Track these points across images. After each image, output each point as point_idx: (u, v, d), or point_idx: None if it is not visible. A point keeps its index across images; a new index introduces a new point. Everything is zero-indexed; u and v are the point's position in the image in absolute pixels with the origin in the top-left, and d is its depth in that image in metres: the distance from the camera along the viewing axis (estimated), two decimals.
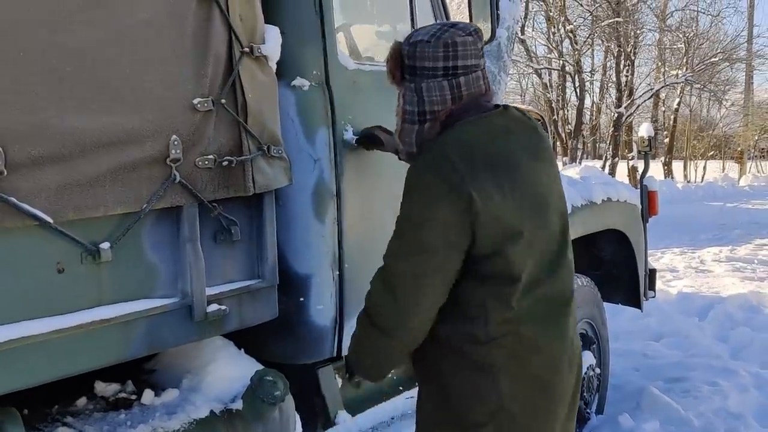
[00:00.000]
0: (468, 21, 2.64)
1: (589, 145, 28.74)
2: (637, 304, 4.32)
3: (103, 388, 2.34)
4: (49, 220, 1.66)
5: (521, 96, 31.82)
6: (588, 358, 3.77)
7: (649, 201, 4.24)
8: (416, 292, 1.69)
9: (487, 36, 2.55)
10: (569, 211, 3.52)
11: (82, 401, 2.27)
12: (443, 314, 1.74)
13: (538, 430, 1.78)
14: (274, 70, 2.19)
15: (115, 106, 1.77)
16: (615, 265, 4.26)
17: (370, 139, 2.42)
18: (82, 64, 1.70)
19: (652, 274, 4.39)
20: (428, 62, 1.74)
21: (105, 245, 1.78)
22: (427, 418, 1.87)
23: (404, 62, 1.79)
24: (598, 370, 3.90)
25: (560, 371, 1.79)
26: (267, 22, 2.24)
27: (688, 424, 3.74)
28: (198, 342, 2.39)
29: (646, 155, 4.27)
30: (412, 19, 2.82)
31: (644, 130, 4.29)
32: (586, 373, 3.73)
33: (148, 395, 2.26)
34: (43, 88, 1.64)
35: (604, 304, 4.44)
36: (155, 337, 1.95)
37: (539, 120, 4.45)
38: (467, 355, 1.73)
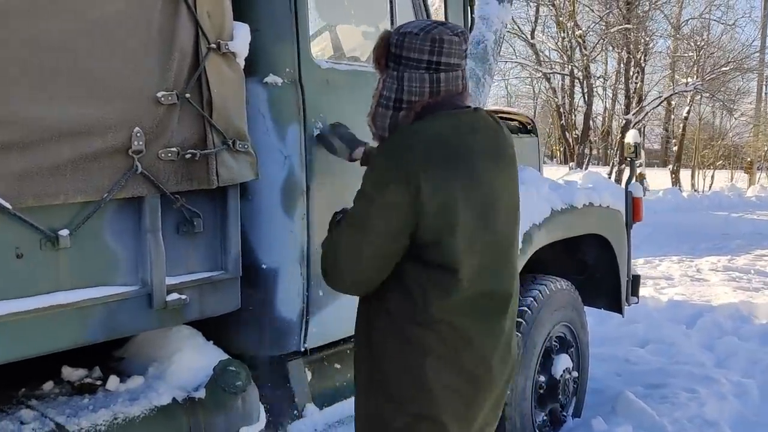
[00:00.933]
0: None
1: (601, 150, 28.67)
2: (619, 310, 4.33)
3: (69, 372, 2.40)
4: (8, 206, 1.71)
5: (533, 99, 31.79)
6: (565, 361, 3.79)
7: (633, 207, 4.25)
8: (353, 262, 1.81)
9: None
10: (548, 215, 3.61)
11: (48, 385, 2.32)
12: (388, 287, 1.81)
13: (460, 415, 1.83)
14: (242, 67, 2.23)
15: (79, 96, 1.82)
16: (598, 270, 4.28)
17: (323, 142, 2.47)
18: (47, 55, 1.76)
19: (635, 280, 4.39)
20: (414, 53, 1.81)
21: (64, 232, 1.84)
22: (361, 385, 1.93)
23: (390, 50, 1.85)
24: (575, 374, 3.92)
25: (490, 368, 1.84)
26: (241, 19, 2.29)
27: (662, 429, 3.75)
28: (166, 331, 2.44)
29: (632, 162, 4.28)
30: (392, 20, 2.86)
31: (630, 136, 4.31)
32: (562, 376, 3.75)
33: (113, 381, 2.31)
34: (7, 78, 1.69)
35: (594, 309, 4.48)
36: (113, 324, 1.99)
37: (529, 124, 4.46)
38: (404, 332, 1.80)
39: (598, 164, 28.31)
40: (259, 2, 2.39)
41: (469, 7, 2.55)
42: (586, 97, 20.65)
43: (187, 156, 2.04)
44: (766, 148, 25.26)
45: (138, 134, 1.93)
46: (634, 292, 4.42)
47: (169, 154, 2.01)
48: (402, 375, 1.80)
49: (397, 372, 1.80)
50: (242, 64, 2.22)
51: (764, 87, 27.11)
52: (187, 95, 2.03)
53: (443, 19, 2.66)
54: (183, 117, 2.03)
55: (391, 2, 2.86)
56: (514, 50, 21.94)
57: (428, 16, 3.05)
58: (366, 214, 1.77)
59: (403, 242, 1.76)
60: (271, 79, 2.42)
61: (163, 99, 1.97)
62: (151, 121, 1.96)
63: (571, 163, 20.58)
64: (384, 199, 1.74)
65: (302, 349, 2.63)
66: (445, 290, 1.77)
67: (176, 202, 2.06)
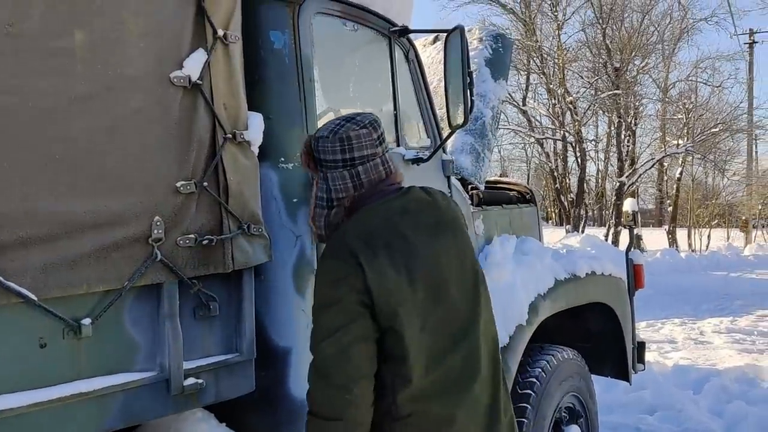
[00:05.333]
0: (445, 104, 2.78)
1: (595, 211, 28.91)
2: (626, 377, 4.33)
3: None
4: (34, 297, 1.76)
5: (527, 164, 32.22)
6: None
7: (635, 274, 4.30)
8: (347, 366, 1.78)
9: (460, 120, 2.70)
10: (552, 285, 3.65)
11: None
12: None
13: None
14: (257, 154, 2.32)
15: (102, 190, 1.89)
16: (603, 338, 4.30)
17: None
18: (72, 152, 1.84)
19: (640, 346, 4.41)
20: (329, 155, 1.94)
21: (86, 321, 1.88)
22: None
23: (313, 154, 1.98)
24: None
25: None
26: (254, 108, 2.40)
27: None
28: (179, 415, 2.45)
29: (631, 229, 4.36)
30: (395, 103, 2.97)
31: (628, 205, 4.40)
32: None
33: None
34: (35, 175, 1.77)
35: (599, 377, 4.47)
36: (132, 410, 2.01)
37: (527, 194, 4.55)
38: (382, 429, 1.82)
39: (594, 225, 28.50)
40: (271, 93, 2.50)
41: (469, 90, 2.66)
42: (579, 161, 20.97)
43: (204, 242, 2.10)
44: (760, 207, 25.50)
45: (158, 223, 1.99)
46: (640, 358, 4.43)
47: (187, 241, 2.07)
48: None
49: None
50: (256, 151, 2.31)
51: (754, 146, 27.62)
52: (205, 183, 2.10)
53: (441, 98, 2.78)
54: (200, 204, 2.11)
55: (393, 86, 2.98)
56: (507, 117, 22.40)
57: (429, 98, 3.18)
58: (331, 321, 1.79)
59: (374, 329, 1.79)
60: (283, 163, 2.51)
61: (182, 188, 2.05)
62: (171, 210, 2.03)
63: (567, 226, 20.73)
64: (340, 298, 1.78)
65: None
66: (408, 378, 1.80)
67: (193, 287, 2.11)
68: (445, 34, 2.80)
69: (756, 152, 28.61)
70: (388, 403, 1.81)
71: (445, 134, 3.03)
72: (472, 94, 2.69)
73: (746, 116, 24.16)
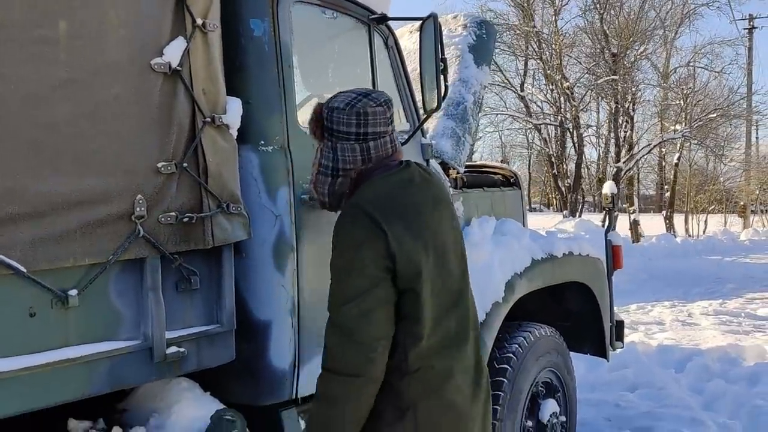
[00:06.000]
0: (420, 91, 2.91)
1: (594, 197, 29.00)
2: (604, 355, 4.48)
3: (75, 425, 2.53)
4: (23, 269, 1.89)
5: (528, 149, 32.24)
6: (551, 406, 3.91)
7: (613, 255, 4.44)
8: (370, 328, 1.91)
9: (433, 105, 2.82)
10: (528, 265, 3.79)
11: None
12: None
13: None
14: (235, 137, 2.45)
15: (87, 170, 2.02)
16: (582, 317, 4.44)
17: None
18: (57, 135, 1.96)
19: (619, 325, 4.55)
20: (343, 127, 2.03)
21: (73, 292, 2.01)
22: None
23: (323, 123, 2.08)
24: (563, 418, 4.04)
25: (471, 395, 2.05)
26: (234, 93, 2.52)
27: None
28: (165, 383, 2.59)
29: (610, 211, 4.49)
30: (374, 87, 3.09)
31: (607, 187, 4.52)
32: (549, 421, 3.87)
33: None
34: (21, 157, 1.90)
35: (584, 357, 4.62)
36: (117, 376, 2.15)
37: (512, 177, 4.68)
38: (392, 387, 1.96)
39: (593, 211, 28.58)
40: (251, 79, 2.62)
41: (442, 76, 2.78)
42: (576, 146, 21.05)
43: (185, 219, 2.23)
44: (758, 192, 25.60)
45: (140, 201, 2.12)
46: (619, 337, 4.57)
47: (169, 218, 2.20)
48: (397, 423, 1.96)
49: (393, 420, 1.96)
50: (235, 134, 2.44)
51: (753, 132, 27.69)
52: (185, 164, 2.23)
53: (419, 83, 2.90)
54: (181, 184, 2.24)
55: (373, 72, 3.10)
56: (505, 103, 22.48)
57: (408, 84, 3.30)
58: (354, 284, 1.90)
59: (394, 292, 1.93)
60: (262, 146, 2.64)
61: (162, 169, 2.18)
62: (152, 189, 2.16)
63: (564, 211, 20.86)
64: (363, 261, 1.90)
65: (294, 397, 2.77)
66: (419, 337, 1.95)
67: (175, 262, 2.25)
68: (420, 21, 2.91)
69: (757, 138, 28.77)
70: (399, 360, 1.95)
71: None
72: (446, 80, 2.81)
73: (745, 102, 24.20)
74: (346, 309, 1.93)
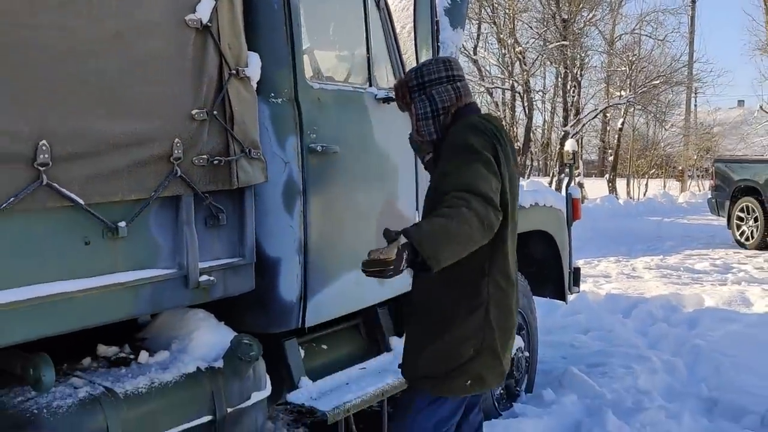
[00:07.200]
0: (414, 49, 3.19)
1: (541, 161, 29.75)
2: (563, 298, 4.92)
3: (104, 350, 2.78)
4: (81, 202, 2.13)
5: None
6: (517, 342, 4.32)
7: (573, 207, 4.84)
8: (489, 192, 2.26)
9: None
10: None
11: (87, 361, 2.70)
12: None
13: (505, 346, 2.49)
14: (255, 88, 2.69)
15: (133, 116, 2.26)
16: (544, 263, 4.85)
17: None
18: (108, 83, 2.19)
19: (576, 272, 4.99)
20: (434, 75, 2.48)
21: (122, 224, 2.26)
22: (422, 334, 2.49)
23: (410, 85, 2.50)
24: (527, 353, 4.46)
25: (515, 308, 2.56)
26: (249, 49, 2.75)
27: (601, 397, 4.33)
28: (183, 314, 2.86)
29: (570, 167, 4.90)
30: (368, 47, 3.35)
31: (569, 145, 4.92)
32: (515, 355, 4.28)
33: (143, 355, 2.70)
34: (79, 101, 2.12)
35: (542, 302, 5.04)
36: (157, 300, 2.42)
37: None
38: (472, 285, 2.39)
39: (539, 175, 29.32)
40: (262, 36, 2.85)
41: (436, 37, 3.06)
42: (526, 110, 21.57)
43: (215, 162, 2.49)
44: (695, 157, 26.71)
45: (178, 144, 2.37)
46: (576, 282, 5.01)
47: (201, 161, 2.45)
48: (469, 317, 2.39)
49: (465, 314, 2.39)
50: (255, 86, 2.68)
51: (693, 99, 28.74)
52: (215, 112, 2.48)
53: (404, 44, 3.20)
54: (211, 130, 2.48)
55: (366, 31, 3.35)
56: None
57: (397, 42, 3.56)
58: (485, 166, 2.28)
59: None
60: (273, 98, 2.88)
61: (196, 116, 2.42)
62: (187, 134, 2.40)
63: None
64: (488, 150, 2.32)
65: (301, 326, 3.07)
66: (503, 253, 2.41)
67: (205, 200, 2.50)
68: None
69: (695, 105, 29.86)
70: (483, 262, 2.37)
71: None
72: (438, 40, 3.10)
73: (686, 69, 25.07)
74: (484, 182, 2.26)
